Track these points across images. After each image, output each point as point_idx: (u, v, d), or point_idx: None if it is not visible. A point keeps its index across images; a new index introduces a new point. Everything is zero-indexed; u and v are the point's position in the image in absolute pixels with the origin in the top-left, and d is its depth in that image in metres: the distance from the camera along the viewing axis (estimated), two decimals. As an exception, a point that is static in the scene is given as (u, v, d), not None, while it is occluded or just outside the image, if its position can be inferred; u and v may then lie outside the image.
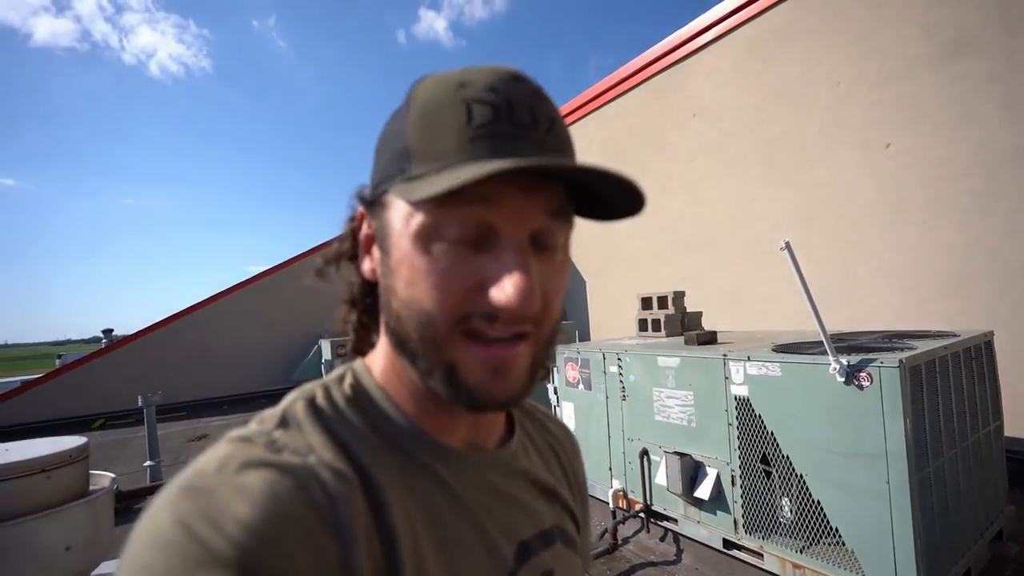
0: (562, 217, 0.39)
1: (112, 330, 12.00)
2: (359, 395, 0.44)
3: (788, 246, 2.44)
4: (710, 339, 3.58)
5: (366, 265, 0.46)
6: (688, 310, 4.52)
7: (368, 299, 0.49)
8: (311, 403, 0.41)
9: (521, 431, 0.54)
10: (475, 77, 0.38)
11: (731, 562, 2.99)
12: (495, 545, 0.44)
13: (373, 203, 0.42)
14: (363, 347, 0.51)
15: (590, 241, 7.81)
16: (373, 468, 0.38)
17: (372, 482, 0.38)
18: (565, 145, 0.40)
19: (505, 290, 0.36)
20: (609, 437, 3.84)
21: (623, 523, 3.57)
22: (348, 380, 0.45)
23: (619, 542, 3.48)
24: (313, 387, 0.44)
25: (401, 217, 0.39)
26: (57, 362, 12.91)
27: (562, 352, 4.34)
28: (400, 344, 0.41)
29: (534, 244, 0.38)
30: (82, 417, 9.85)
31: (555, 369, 4.48)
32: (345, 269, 0.51)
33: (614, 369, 3.77)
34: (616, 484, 3.74)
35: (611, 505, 3.69)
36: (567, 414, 4.31)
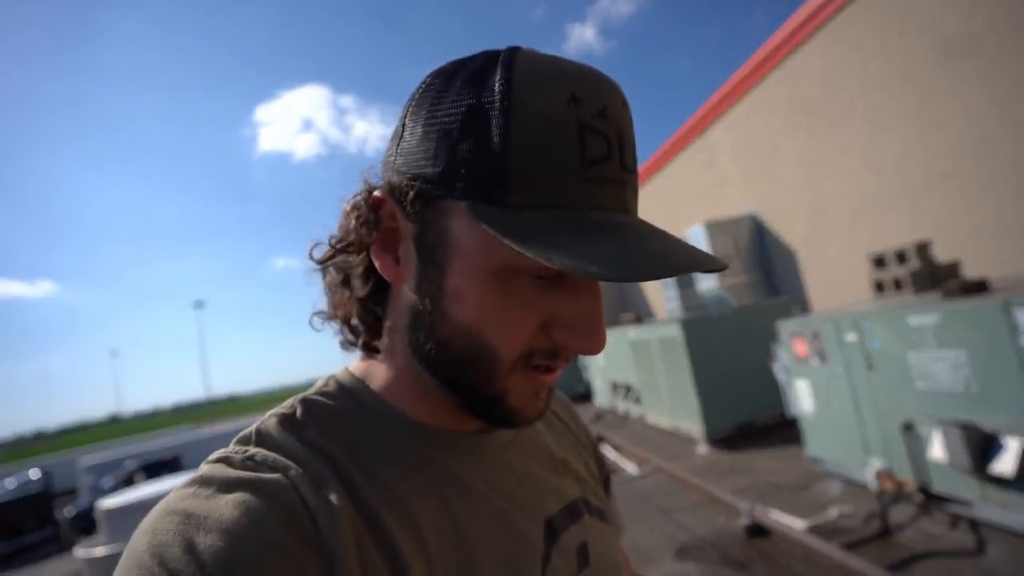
0: None
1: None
2: (344, 402, 0.42)
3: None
4: (979, 287, 3.01)
5: (384, 263, 0.40)
6: (936, 262, 3.83)
7: (377, 293, 0.44)
8: (289, 417, 0.39)
9: None
10: (586, 90, 0.34)
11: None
12: (520, 529, 0.42)
13: (423, 201, 0.36)
14: (372, 345, 0.45)
15: (788, 208, 7.06)
16: (363, 476, 0.37)
17: (361, 491, 0.36)
18: (638, 183, 0.38)
19: (582, 337, 0.36)
20: (858, 412, 3.46)
21: (894, 504, 3.17)
22: (331, 389, 0.43)
23: (890, 527, 3.10)
24: (292, 401, 0.41)
25: (476, 240, 0.34)
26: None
27: (786, 327, 4.06)
28: (431, 362, 0.38)
29: None
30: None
31: (780, 346, 4.20)
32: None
33: (852, 337, 3.40)
34: (876, 463, 3.34)
35: (875, 487, 3.31)
36: (801, 392, 4.00)
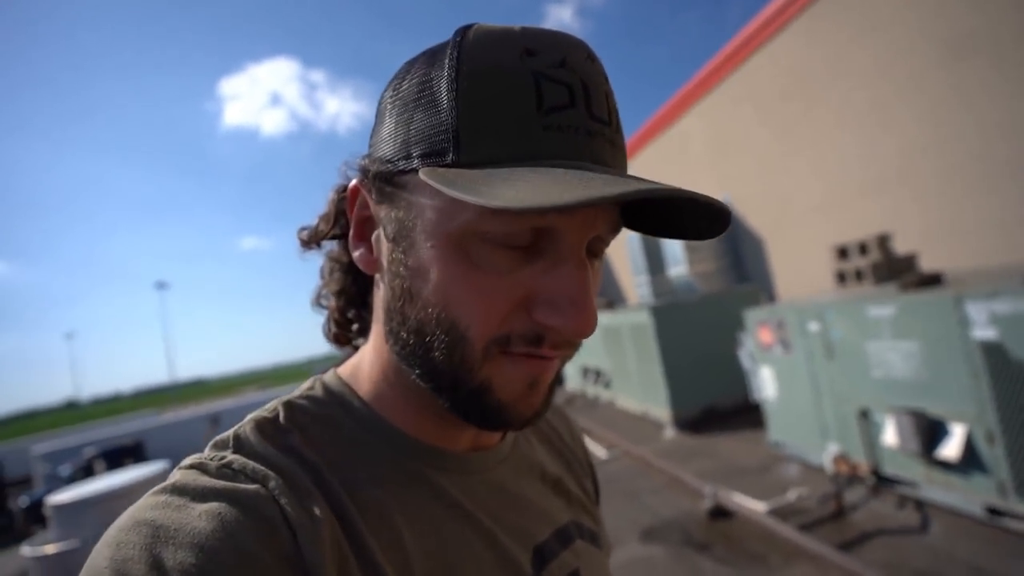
0: (619, 226, 0.36)
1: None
2: (330, 408, 0.39)
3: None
4: (933, 280, 3.12)
5: (360, 253, 0.38)
6: (895, 255, 3.96)
7: (354, 287, 0.44)
8: (271, 421, 0.36)
9: None
10: (542, 44, 0.32)
11: (1004, 535, 2.59)
12: (507, 554, 0.39)
13: (385, 180, 0.34)
14: (342, 338, 0.47)
15: (757, 197, 7.19)
16: (347, 490, 0.34)
17: (345, 506, 0.33)
18: (624, 142, 0.35)
19: (565, 314, 0.31)
20: (817, 399, 3.58)
21: (848, 486, 3.31)
22: (317, 393, 0.40)
23: (844, 508, 3.24)
24: (275, 404, 0.38)
25: (435, 208, 0.32)
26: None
27: (753, 316, 4.15)
28: (410, 354, 0.35)
29: (587, 251, 0.34)
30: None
31: (746, 334, 4.30)
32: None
33: (815, 327, 3.50)
34: (833, 447, 3.48)
35: (831, 470, 3.45)
36: (765, 379, 4.12)
